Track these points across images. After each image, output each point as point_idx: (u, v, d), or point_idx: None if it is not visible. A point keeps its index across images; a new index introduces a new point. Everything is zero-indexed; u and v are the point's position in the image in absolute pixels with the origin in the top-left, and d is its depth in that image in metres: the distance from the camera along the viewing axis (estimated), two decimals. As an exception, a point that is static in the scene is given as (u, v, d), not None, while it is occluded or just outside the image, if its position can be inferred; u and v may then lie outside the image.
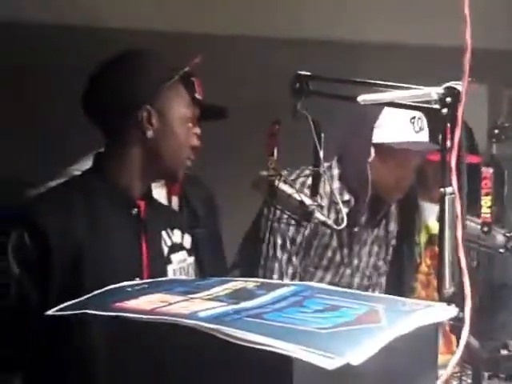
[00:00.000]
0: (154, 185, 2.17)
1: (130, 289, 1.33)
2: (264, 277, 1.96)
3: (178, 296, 1.26)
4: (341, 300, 1.26)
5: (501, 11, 2.71)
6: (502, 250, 1.94)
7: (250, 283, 1.37)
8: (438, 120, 1.52)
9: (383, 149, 2.14)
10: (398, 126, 2.13)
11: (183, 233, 1.88)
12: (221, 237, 2.25)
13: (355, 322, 1.14)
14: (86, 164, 1.85)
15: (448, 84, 1.52)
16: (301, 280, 2.17)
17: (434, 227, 2.42)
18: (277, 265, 2.16)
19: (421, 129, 2.15)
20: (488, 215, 1.89)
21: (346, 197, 2.15)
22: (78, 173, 1.88)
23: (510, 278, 2.38)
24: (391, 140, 2.13)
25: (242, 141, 2.72)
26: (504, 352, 2.01)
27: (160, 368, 1.13)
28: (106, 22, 2.83)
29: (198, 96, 2.13)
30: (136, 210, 1.72)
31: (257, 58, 2.71)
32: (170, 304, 1.21)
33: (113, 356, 1.18)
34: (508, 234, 1.98)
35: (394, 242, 2.33)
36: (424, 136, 2.16)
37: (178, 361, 1.12)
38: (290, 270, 2.17)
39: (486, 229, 1.91)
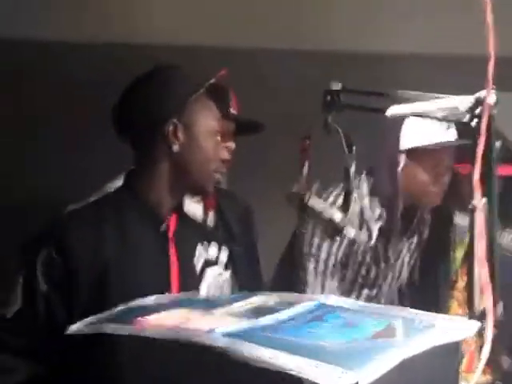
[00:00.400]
0: (189, 200, 2.20)
1: (152, 303, 1.35)
2: None
3: (199, 311, 1.27)
4: (358, 316, 1.24)
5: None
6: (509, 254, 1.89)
7: (272, 298, 1.37)
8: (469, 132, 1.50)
9: (414, 153, 2.12)
10: (425, 129, 2.11)
11: (220, 247, 1.87)
12: (257, 253, 2.24)
13: (373, 337, 1.13)
14: (121, 181, 1.89)
15: (477, 94, 1.50)
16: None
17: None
18: (310, 290, 2.14)
19: (448, 127, 2.13)
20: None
21: (378, 211, 2.12)
22: (110, 190, 1.92)
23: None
24: (422, 143, 2.11)
25: (273, 155, 2.72)
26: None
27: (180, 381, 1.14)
28: (131, 38, 2.86)
29: (232, 111, 2.14)
30: (165, 226, 1.73)
31: (287, 72, 2.71)
32: (191, 320, 1.22)
33: (131, 372, 1.19)
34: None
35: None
36: (453, 134, 2.14)
37: (195, 378, 1.12)
38: (330, 288, 2.15)
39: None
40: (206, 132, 1.75)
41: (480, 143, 1.40)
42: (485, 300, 1.27)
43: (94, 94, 2.67)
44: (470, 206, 1.48)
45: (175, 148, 1.71)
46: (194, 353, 1.11)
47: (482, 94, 1.50)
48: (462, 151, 2.15)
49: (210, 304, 1.33)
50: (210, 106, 1.79)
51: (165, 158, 1.73)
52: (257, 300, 1.36)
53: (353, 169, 1.75)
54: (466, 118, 1.52)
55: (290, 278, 2.16)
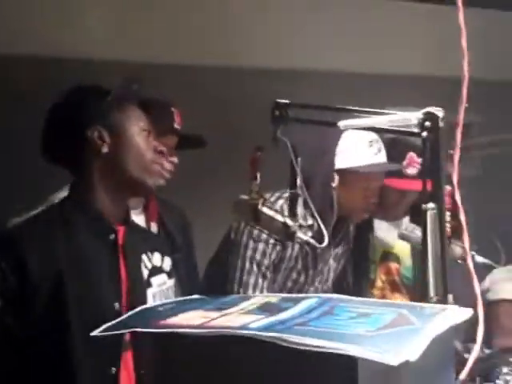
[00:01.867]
0: (132, 211, 2.21)
1: (161, 308, 1.38)
2: None
3: (214, 312, 1.32)
4: (365, 307, 1.36)
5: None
6: (459, 261, 2.11)
7: (272, 298, 1.45)
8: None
9: (347, 173, 2.28)
10: (358, 151, 2.28)
11: (163, 256, 1.91)
12: (196, 263, 2.30)
13: (393, 325, 1.25)
14: (66, 192, 1.88)
15: (427, 109, 1.68)
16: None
17: (388, 244, 2.60)
18: (242, 289, 2.24)
19: (379, 150, 2.32)
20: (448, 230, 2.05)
21: (310, 221, 2.25)
22: (55, 201, 1.89)
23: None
24: (354, 164, 2.27)
25: (221, 166, 2.78)
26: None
27: (220, 380, 1.19)
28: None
29: (176, 126, 2.19)
30: (113, 235, 1.75)
31: (237, 88, 2.80)
32: (213, 319, 1.27)
33: (166, 371, 1.22)
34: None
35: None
36: (382, 157, 2.33)
37: (239, 371, 1.18)
38: (264, 293, 2.25)
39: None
40: (134, 129, 1.77)
41: (456, 153, 1.57)
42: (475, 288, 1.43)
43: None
44: (424, 208, 1.66)
45: (104, 150, 1.73)
46: (237, 346, 1.17)
47: (430, 109, 1.69)
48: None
49: (217, 305, 1.38)
50: (137, 113, 1.80)
51: (97, 164, 1.74)
52: (257, 300, 1.43)
53: (298, 178, 1.88)
54: (416, 130, 1.70)
55: (218, 279, 2.25)
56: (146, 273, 1.82)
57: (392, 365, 1.08)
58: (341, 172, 2.29)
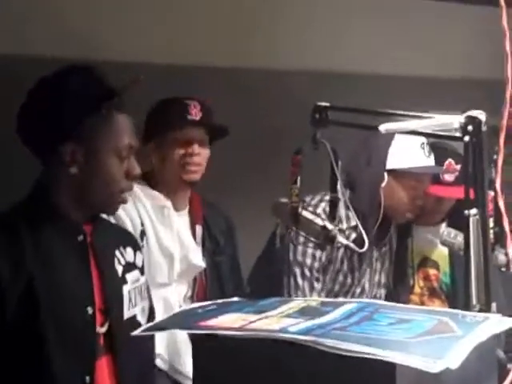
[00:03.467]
0: (178, 213, 2.22)
1: (200, 310, 1.38)
2: None
3: (253, 315, 1.33)
4: (405, 313, 1.35)
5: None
6: (503, 269, 2.08)
7: (311, 302, 1.45)
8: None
9: (398, 174, 2.29)
10: (412, 152, 2.29)
11: (135, 251, 1.83)
12: (239, 266, 2.31)
13: (434, 332, 1.23)
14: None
15: (469, 113, 1.66)
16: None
17: (427, 250, 2.58)
18: (300, 293, 2.25)
19: (430, 153, 2.33)
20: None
21: (353, 222, 2.25)
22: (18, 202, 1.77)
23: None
24: (409, 165, 2.29)
25: (262, 168, 2.79)
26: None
27: (259, 383, 1.19)
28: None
29: (191, 117, 2.20)
30: (82, 236, 1.68)
31: (280, 90, 2.80)
32: (253, 322, 1.27)
33: (204, 373, 1.23)
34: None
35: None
36: (432, 160, 2.35)
37: (277, 374, 1.18)
38: (315, 296, 2.25)
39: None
40: (110, 152, 1.66)
41: (499, 158, 1.54)
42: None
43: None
44: (466, 214, 1.64)
45: (73, 171, 1.64)
46: (276, 349, 1.17)
47: (472, 112, 1.67)
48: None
49: (257, 308, 1.38)
50: (119, 122, 1.68)
51: (64, 178, 1.66)
52: (297, 304, 1.43)
53: (339, 181, 1.88)
54: (459, 134, 1.69)
55: (265, 284, 2.25)
56: (120, 269, 1.74)
57: (432, 372, 1.07)
58: (392, 172, 2.30)
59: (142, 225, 2.18)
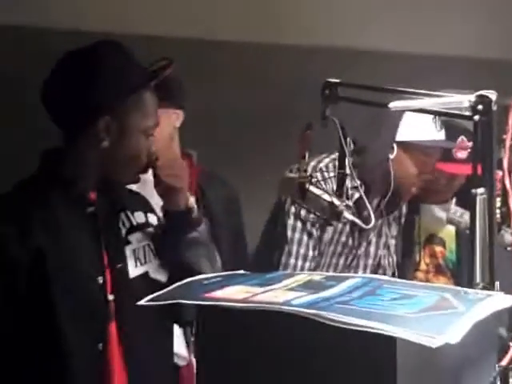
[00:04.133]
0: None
1: (206, 282, 1.40)
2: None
3: (258, 287, 1.34)
4: (408, 289, 1.36)
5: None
6: (509, 249, 2.10)
7: (316, 276, 1.46)
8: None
9: (408, 146, 2.31)
10: (422, 126, 2.29)
11: (146, 212, 1.85)
12: (244, 237, 2.31)
13: (435, 308, 1.25)
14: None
15: (479, 92, 1.66)
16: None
17: (433, 227, 2.59)
18: (293, 260, 2.27)
19: (441, 127, 2.34)
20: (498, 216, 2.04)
21: (356, 195, 2.26)
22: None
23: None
24: (419, 138, 2.30)
25: (270, 143, 2.80)
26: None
27: (261, 354, 1.21)
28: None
29: None
30: (92, 208, 1.71)
31: (289, 66, 2.81)
32: (257, 294, 1.29)
33: (207, 344, 1.25)
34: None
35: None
36: (443, 134, 2.35)
37: (279, 347, 1.20)
38: (307, 265, 2.27)
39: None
40: (140, 130, 1.72)
41: (508, 137, 1.55)
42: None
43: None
44: (473, 193, 1.64)
45: (104, 144, 1.68)
46: (279, 322, 1.19)
47: (483, 92, 1.67)
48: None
49: (261, 281, 1.40)
50: (149, 102, 1.74)
51: (93, 151, 1.70)
52: (301, 277, 1.44)
53: (347, 158, 1.89)
54: (469, 113, 1.69)
55: (267, 257, 2.27)
56: (123, 231, 1.78)
57: (431, 347, 1.09)
58: (401, 145, 2.31)
59: None
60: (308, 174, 1.84)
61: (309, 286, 1.36)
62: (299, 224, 2.27)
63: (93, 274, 1.66)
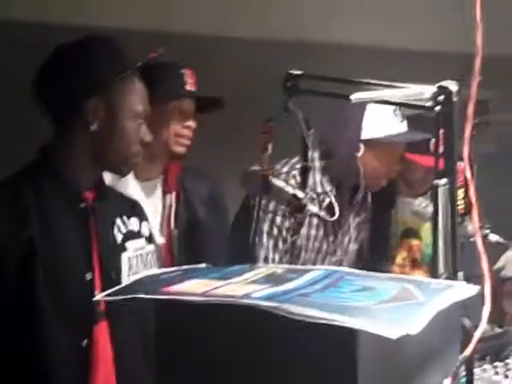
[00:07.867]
0: (147, 183, 2.19)
1: (165, 276, 1.38)
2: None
3: (218, 281, 1.32)
4: (371, 281, 1.35)
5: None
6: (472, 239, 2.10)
7: (278, 269, 1.45)
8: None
9: (373, 143, 2.31)
10: (384, 121, 2.31)
11: (141, 221, 1.87)
12: (226, 232, 2.27)
13: (396, 299, 1.24)
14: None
15: (440, 83, 1.66)
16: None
17: (410, 220, 2.60)
18: (263, 252, 2.25)
19: (403, 118, 2.34)
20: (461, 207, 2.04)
21: (328, 188, 2.26)
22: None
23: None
24: (381, 134, 2.31)
25: (233, 136, 2.79)
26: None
27: (219, 349, 1.19)
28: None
29: (188, 88, 2.16)
30: (84, 204, 1.72)
31: (249, 59, 2.79)
32: (217, 288, 1.27)
33: (167, 339, 1.23)
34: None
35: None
36: (405, 126, 2.36)
37: (239, 340, 1.18)
38: (277, 256, 2.25)
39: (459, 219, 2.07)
40: (129, 114, 1.73)
41: (467, 128, 1.54)
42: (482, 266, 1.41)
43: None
44: (435, 184, 1.64)
45: (93, 127, 1.69)
46: (238, 316, 1.17)
47: (444, 83, 1.67)
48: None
49: (222, 275, 1.38)
50: (138, 88, 1.76)
51: (82, 136, 1.71)
52: (262, 271, 1.43)
53: (310, 150, 1.88)
54: (430, 104, 1.68)
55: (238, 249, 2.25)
56: (119, 237, 1.78)
57: (391, 338, 1.08)
58: (367, 142, 2.31)
59: None
60: (271, 166, 1.84)
61: (270, 279, 1.35)
62: (268, 216, 2.25)
63: (81, 270, 1.66)
